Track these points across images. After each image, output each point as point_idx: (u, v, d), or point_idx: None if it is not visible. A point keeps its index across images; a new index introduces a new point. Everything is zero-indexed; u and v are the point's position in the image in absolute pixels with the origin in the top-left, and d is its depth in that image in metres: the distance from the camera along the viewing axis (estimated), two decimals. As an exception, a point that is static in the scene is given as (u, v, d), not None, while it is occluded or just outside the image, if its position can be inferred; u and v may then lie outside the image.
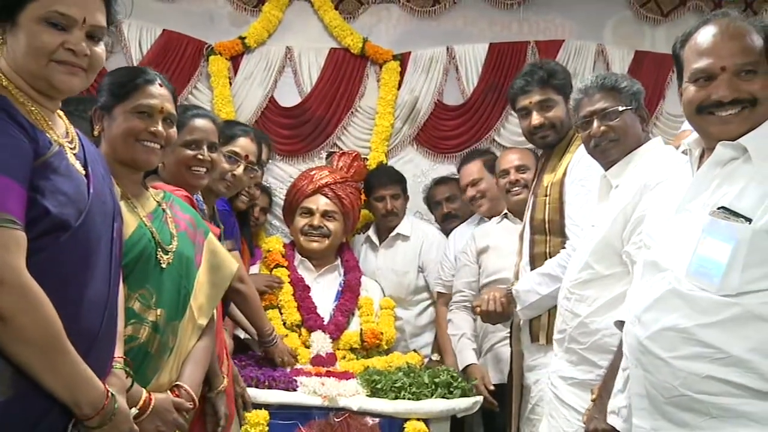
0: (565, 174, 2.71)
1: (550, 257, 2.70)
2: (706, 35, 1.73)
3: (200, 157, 2.33)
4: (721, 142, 1.69)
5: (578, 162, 2.67)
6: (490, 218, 3.55)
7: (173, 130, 1.98)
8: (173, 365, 1.86)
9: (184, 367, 1.89)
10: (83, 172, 1.51)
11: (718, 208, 1.63)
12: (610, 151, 2.34)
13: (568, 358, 2.34)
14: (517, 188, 3.28)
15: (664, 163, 2.19)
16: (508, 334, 3.02)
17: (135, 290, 1.78)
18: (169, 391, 1.82)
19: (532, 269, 2.77)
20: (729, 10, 1.81)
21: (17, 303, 1.30)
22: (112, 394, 1.47)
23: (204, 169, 2.35)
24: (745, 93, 1.67)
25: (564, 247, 2.67)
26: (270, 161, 3.99)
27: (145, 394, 1.69)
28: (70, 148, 1.51)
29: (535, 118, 2.79)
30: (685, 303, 1.63)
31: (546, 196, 2.75)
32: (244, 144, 2.84)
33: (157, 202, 1.96)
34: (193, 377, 1.90)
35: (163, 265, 1.84)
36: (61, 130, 1.53)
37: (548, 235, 2.73)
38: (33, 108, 1.46)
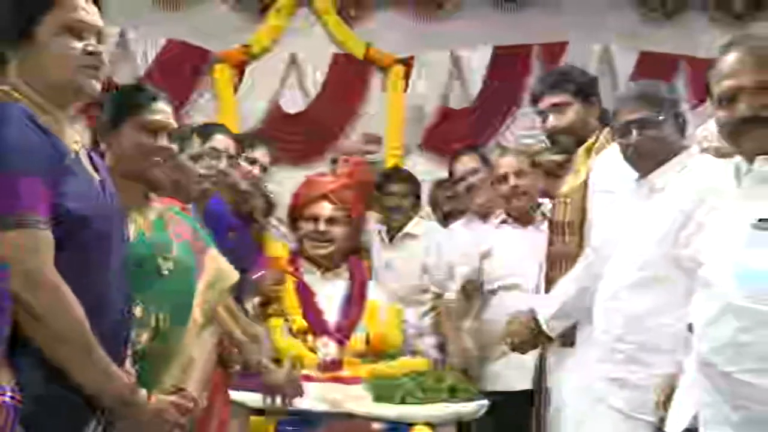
0: (587, 177, 2.69)
1: (567, 258, 2.69)
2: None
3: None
4: None
5: (605, 169, 2.64)
6: (482, 214, 3.53)
7: (174, 146, 2.05)
8: (175, 370, 1.91)
9: (187, 371, 1.94)
10: (96, 175, 1.58)
11: (759, 220, 1.64)
12: (646, 159, 2.34)
13: (612, 358, 2.32)
14: (517, 195, 3.28)
15: (717, 171, 2.16)
16: None
17: (135, 296, 1.80)
18: (171, 394, 1.84)
19: (548, 270, 2.78)
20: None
21: (50, 302, 1.38)
22: (135, 386, 1.56)
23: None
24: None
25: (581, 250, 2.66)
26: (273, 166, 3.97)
27: (144, 391, 1.72)
28: (83, 153, 1.58)
29: (551, 121, 2.79)
30: (735, 317, 1.64)
31: (567, 197, 2.75)
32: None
33: (159, 213, 2.01)
34: (196, 380, 1.94)
35: (164, 272, 1.88)
36: (70, 136, 1.58)
37: (567, 237, 2.73)
38: (47, 117, 1.52)
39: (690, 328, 1.99)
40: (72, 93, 1.55)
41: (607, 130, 2.80)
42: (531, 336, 2.76)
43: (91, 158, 1.62)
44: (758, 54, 1.76)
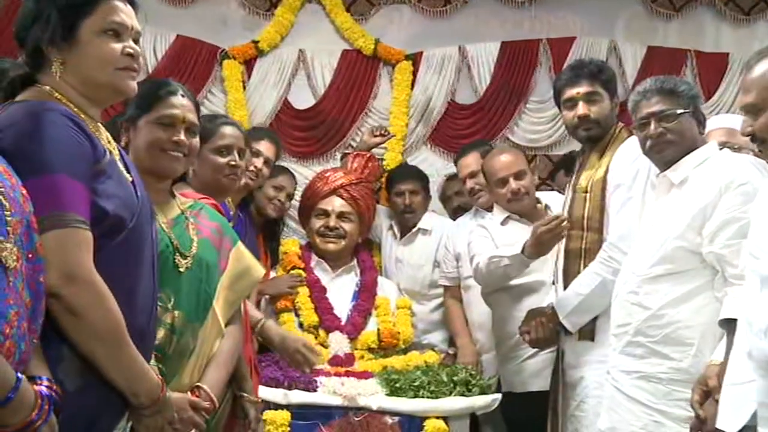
0: (607, 171, 2.72)
1: (586, 253, 2.72)
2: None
3: (233, 163, 2.42)
4: None
5: (622, 164, 2.68)
6: (488, 209, 3.49)
7: (196, 140, 2.02)
8: (194, 368, 1.88)
9: (207, 370, 1.92)
10: (129, 177, 1.60)
11: None
12: (666, 152, 2.36)
13: (631, 351, 2.33)
14: (519, 196, 3.21)
15: (740, 165, 2.22)
16: None
17: None
18: (189, 392, 1.84)
19: (565, 264, 2.79)
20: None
21: (89, 299, 1.40)
22: (164, 383, 1.58)
23: (235, 175, 2.44)
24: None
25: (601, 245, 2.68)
26: (283, 161, 3.98)
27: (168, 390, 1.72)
28: (116, 154, 1.61)
29: (581, 109, 2.78)
30: None
31: (586, 192, 2.77)
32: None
33: (182, 210, 2.00)
34: (215, 379, 1.92)
35: (181, 269, 1.87)
36: (105, 135, 1.62)
37: (586, 231, 2.75)
38: (85, 117, 1.55)
39: (726, 324, 1.99)
40: (111, 93, 1.59)
41: (621, 125, 2.83)
42: (550, 332, 2.77)
43: (123, 158, 1.65)
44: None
